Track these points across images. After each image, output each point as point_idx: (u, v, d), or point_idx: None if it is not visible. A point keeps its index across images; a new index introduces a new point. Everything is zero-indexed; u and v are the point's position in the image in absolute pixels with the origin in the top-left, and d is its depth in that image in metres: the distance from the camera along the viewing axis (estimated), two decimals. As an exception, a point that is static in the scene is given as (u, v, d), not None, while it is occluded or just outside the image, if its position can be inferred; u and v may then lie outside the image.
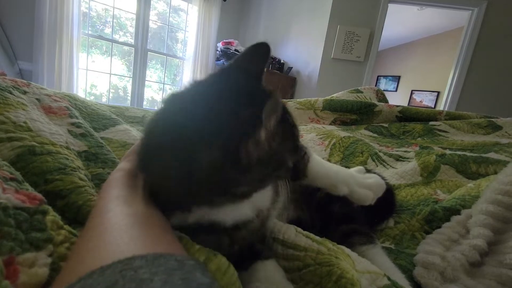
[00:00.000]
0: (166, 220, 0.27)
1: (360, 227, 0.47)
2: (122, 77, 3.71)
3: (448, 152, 0.81)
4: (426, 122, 1.14)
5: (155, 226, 0.24)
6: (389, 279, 0.34)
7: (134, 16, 3.52)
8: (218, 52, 3.55)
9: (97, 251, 0.19)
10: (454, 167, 0.77)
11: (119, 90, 3.78)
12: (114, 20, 3.51)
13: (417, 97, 5.49)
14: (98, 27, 3.48)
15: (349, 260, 0.35)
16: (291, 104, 1.15)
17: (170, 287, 0.15)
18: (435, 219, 0.56)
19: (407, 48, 5.57)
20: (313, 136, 0.94)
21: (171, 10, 3.90)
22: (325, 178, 0.45)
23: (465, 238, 0.50)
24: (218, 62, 3.58)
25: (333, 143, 0.91)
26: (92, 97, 3.52)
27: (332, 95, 1.43)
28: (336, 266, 0.33)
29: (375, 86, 6.14)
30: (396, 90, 5.90)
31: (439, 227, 0.54)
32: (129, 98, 3.75)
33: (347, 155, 0.88)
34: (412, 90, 5.58)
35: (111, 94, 3.69)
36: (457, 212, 0.55)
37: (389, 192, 0.64)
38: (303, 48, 3.32)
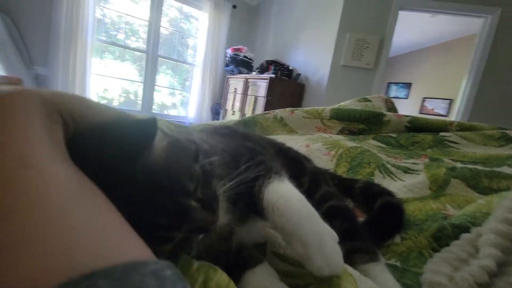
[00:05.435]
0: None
1: (363, 244, 0.46)
2: (134, 82, 3.79)
3: (459, 165, 0.79)
4: (436, 133, 1.12)
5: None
6: (392, 300, 0.33)
7: (147, 23, 3.61)
8: (227, 58, 3.59)
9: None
10: (464, 181, 0.75)
11: (130, 95, 3.87)
12: (127, 27, 3.61)
13: (429, 105, 5.39)
14: (111, 33, 3.58)
15: (351, 280, 0.34)
16: (297, 113, 1.15)
17: None
18: (444, 236, 0.54)
19: (418, 55, 5.50)
20: (319, 146, 0.93)
21: (183, 16, 3.98)
22: (282, 217, 0.33)
23: (474, 257, 0.48)
24: (227, 68, 3.62)
25: (340, 153, 0.91)
26: (104, 101, 3.61)
27: (340, 104, 1.42)
28: (337, 286, 0.32)
29: (386, 93, 6.12)
30: (407, 97, 5.82)
31: (448, 244, 0.52)
32: (139, 102, 3.83)
33: (353, 166, 0.87)
34: (423, 98, 5.49)
35: (122, 98, 3.78)
36: (467, 229, 0.53)
37: (398, 207, 0.62)
38: (312, 54, 3.32)
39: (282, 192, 0.36)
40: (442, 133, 1.10)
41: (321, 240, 0.32)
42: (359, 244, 0.46)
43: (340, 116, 1.14)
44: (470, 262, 0.47)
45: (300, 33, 3.49)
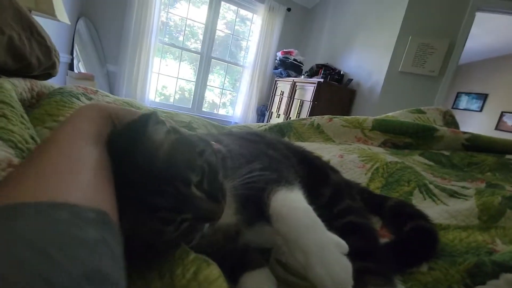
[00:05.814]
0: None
1: (377, 265, 0.44)
2: (189, 81, 4.09)
3: (519, 195, 0.68)
4: (502, 155, 0.97)
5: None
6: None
7: (203, 26, 3.86)
8: (276, 61, 3.61)
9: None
10: (525, 215, 0.64)
11: (185, 93, 4.19)
12: (187, 29, 3.92)
13: (509, 120, 4.61)
14: (174, 35, 3.93)
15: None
16: (336, 121, 1.11)
17: (43, 241, 0.15)
18: (481, 273, 0.47)
19: (498, 62, 4.75)
20: (354, 158, 0.89)
21: (238, 19, 4.14)
22: (285, 225, 0.34)
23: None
24: (276, 70, 3.65)
25: (376, 167, 0.85)
26: (162, 97, 3.98)
27: (387, 114, 1.32)
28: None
29: (454, 104, 5.41)
30: (480, 110, 5.07)
31: (484, 283, 0.46)
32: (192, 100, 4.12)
33: (390, 182, 0.81)
34: (502, 112, 4.71)
35: (177, 96, 4.11)
36: (510, 269, 0.46)
37: (431, 233, 0.57)
38: (366, 59, 3.14)
39: (288, 201, 0.37)
40: (509, 156, 0.95)
41: (323, 249, 0.31)
42: (372, 265, 0.44)
43: (384, 127, 1.06)
44: (508, 309, 0.41)
45: (355, 36, 3.33)
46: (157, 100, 3.87)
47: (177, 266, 0.29)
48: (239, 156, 0.42)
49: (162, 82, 3.95)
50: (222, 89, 4.32)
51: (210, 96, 4.35)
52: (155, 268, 0.29)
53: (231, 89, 4.40)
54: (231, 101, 4.45)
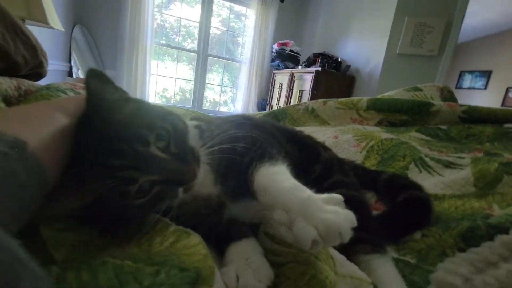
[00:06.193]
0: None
1: (367, 235, 0.44)
2: (188, 81, 4.11)
3: (516, 160, 0.67)
4: (501, 125, 0.95)
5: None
6: (376, 288, 0.32)
7: (198, 24, 3.86)
8: (273, 53, 3.59)
9: None
10: (524, 179, 0.63)
11: (186, 93, 4.20)
12: (184, 29, 3.92)
13: (515, 96, 4.51)
14: (171, 36, 3.93)
15: (330, 262, 0.33)
16: (330, 104, 1.10)
17: None
18: (475, 236, 0.47)
19: (500, 38, 4.63)
20: (349, 138, 0.88)
21: (233, 16, 4.13)
22: (267, 195, 0.34)
23: (508, 261, 0.41)
24: (273, 63, 3.63)
25: (370, 145, 0.85)
26: (163, 99, 4.01)
27: (383, 94, 1.31)
28: (312, 265, 0.32)
29: (457, 83, 5.30)
30: (485, 88, 4.96)
31: (478, 246, 0.45)
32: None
33: (385, 158, 0.80)
34: (508, 88, 4.61)
35: (178, 97, 4.13)
36: (506, 230, 0.45)
37: (425, 203, 0.57)
38: (363, 44, 3.09)
39: (271, 174, 0.37)
40: (508, 125, 0.93)
41: (304, 204, 0.30)
42: (363, 234, 0.44)
43: (379, 106, 1.05)
44: (500, 266, 0.40)
45: (351, 22, 3.28)
46: (158, 102, 3.90)
47: (156, 236, 0.30)
48: (219, 129, 0.42)
49: (163, 84, 3.97)
50: (221, 86, 4.32)
51: (211, 95, 4.35)
52: (132, 239, 0.30)
53: (231, 86, 4.40)
54: (232, 98, 4.45)
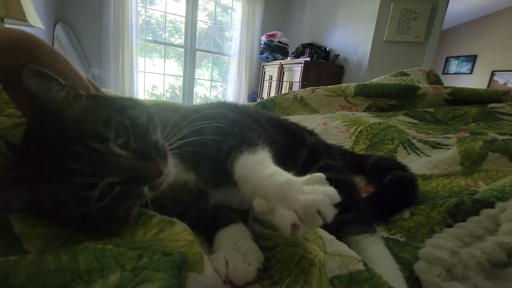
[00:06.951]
0: None
1: (356, 215, 0.44)
2: (177, 77, 4.04)
3: (500, 137, 0.68)
4: (485, 105, 0.97)
5: None
6: (365, 265, 0.32)
7: (184, 19, 3.79)
8: (262, 45, 3.56)
9: None
10: (507, 155, 0.64)
11: (176, 90, 4.14)
12: (170, 25, 3.84)
13: (500, 79, 4.60)
14: (157, 32, 3.85)
15: (319, 242, 0.33)
16: (319, 92, 1.10)
17: None
18: (461, 212, 0.48)
19: (485, 22, 4.69)
20: (337, 124, 0.89)
21: (220, 9, 4.06)
22: (248, 185, 0.33)
23: (494, 234, 0.42)
24: (262, 55, 3.60)
25: (359, 130, 0.85)
26: (153, 97, 3.94)
27: (371, 80, 1.31)
28: (301, 246, 0.32)
29: (444, 69, 5.37)
30: (471, 72, 5.04)
31: (464, 221, 0.46)
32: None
33: (374, 142, 0.81)
34: (493, 71, 4.69)
35: (168, 94, 4.07)
36: (491, 205, 0.47)
37: (409, 182, 0.58)
38: (351, 32, 3.09)
39: (250, 164, 0.35)
40: (491, 105, 0.95)
41: (282, 189, 0.29)
42: (351, 216, 0.44)
43: (366, 92, 1.06)
44: (486, 239, 0.41)
45: (337, 11, 3.27)
46: (148, 99, 3.83)
47: (139, 229, 0.29)
48: (178, 118, 0.40)
49: (151, 81, 3.90)
50: (211, 80, 4.28)
51: (201, 90, 4.30)
52: (113, 234, 0.29)
53: (221, 81, 4.35)
54: (223, 93, 4.41)
